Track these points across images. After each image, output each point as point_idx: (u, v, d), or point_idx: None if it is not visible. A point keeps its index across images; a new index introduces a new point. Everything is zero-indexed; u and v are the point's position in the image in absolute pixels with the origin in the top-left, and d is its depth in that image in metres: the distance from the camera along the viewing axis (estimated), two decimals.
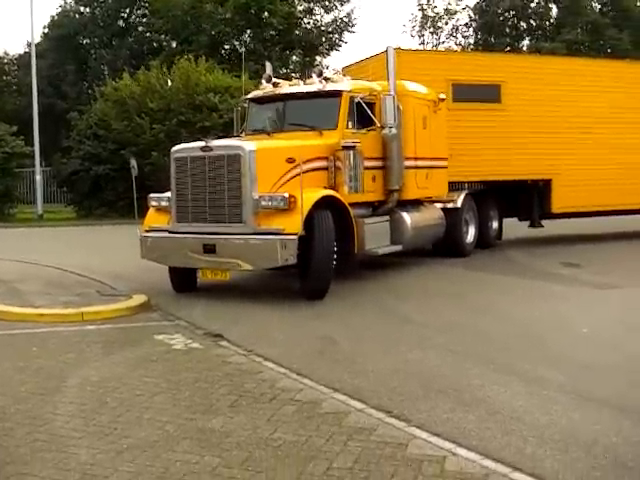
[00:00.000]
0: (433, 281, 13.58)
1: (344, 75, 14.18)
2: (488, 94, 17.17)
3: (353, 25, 46.92)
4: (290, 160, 11.38)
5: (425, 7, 56.05)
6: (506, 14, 54.84)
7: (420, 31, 56.61)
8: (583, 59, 20.65)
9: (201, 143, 11.48)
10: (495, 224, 17.95)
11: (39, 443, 5.31)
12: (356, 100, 12.85)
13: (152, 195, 12.27)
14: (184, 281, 12.04)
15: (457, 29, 57.01)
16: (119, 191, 30.07)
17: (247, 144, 11.46)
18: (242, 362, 7.58)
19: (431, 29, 57.09)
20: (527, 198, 18.60)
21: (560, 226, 19.98)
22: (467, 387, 6.69)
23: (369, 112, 13.09)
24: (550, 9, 54.39)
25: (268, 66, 15.07)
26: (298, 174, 11.00)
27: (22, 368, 7.38)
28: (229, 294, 11.77)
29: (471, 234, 16.73)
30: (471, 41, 56.46)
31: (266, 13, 42.61)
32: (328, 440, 5.36)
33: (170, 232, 11.67)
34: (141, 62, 38.63)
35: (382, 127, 13.16)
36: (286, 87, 13.78)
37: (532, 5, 54.15)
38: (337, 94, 12.83)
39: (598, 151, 18.27)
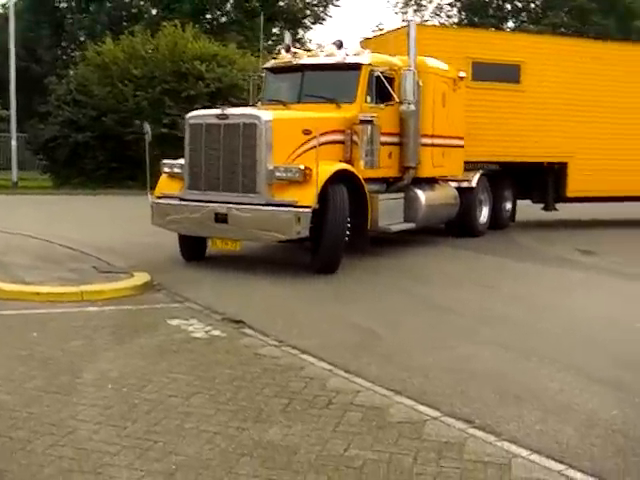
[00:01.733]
0: (450, 264, 12.98)
1: (363, 48, 13.45)
2: (508, 74, 16.68)
3: None
4: (306, 132, 11.01)
5: None
6: None
7: (404, 8, 55.46)
8: (607, 43, 19.89)
9: (217, 110, 11.18)
10: (509, 206, 17.75)
11: (67, 462, 4.30)
12: (376, 74, 12.49)
13: (165, 161, 11.80)
14: (193, 250, 11.77)
15: (441, 8, 56.01)
16: (99, 160, 28.92)
17: (264, 113, 11.05)
18: (277, 355, 6.65)
19: (415, 7, 55.94)
20: (542, 181, 18.25)
21: (574, 210, 19.47)
22: (545, 391, 5.87)
23: (388, 87, 12.68)
24: None
25: (287, 36, 14.79)
26: (314, 146, 10.57)
27: (25, 358, 6.35)
28: (235, 268, 11.09)
29: (484, 215, 16.49)
30: (455, 20, 55.39)
31: None
32: (416, 459, 4.49)
33: (182, 199, 11.19)
34: (120, 28, 37.15)
35: (401, 103, 12.85)
36: (305, 58, 13.25)
37: None
38: (357, 67, 12.39)
39: (616, 136, 17.79)
